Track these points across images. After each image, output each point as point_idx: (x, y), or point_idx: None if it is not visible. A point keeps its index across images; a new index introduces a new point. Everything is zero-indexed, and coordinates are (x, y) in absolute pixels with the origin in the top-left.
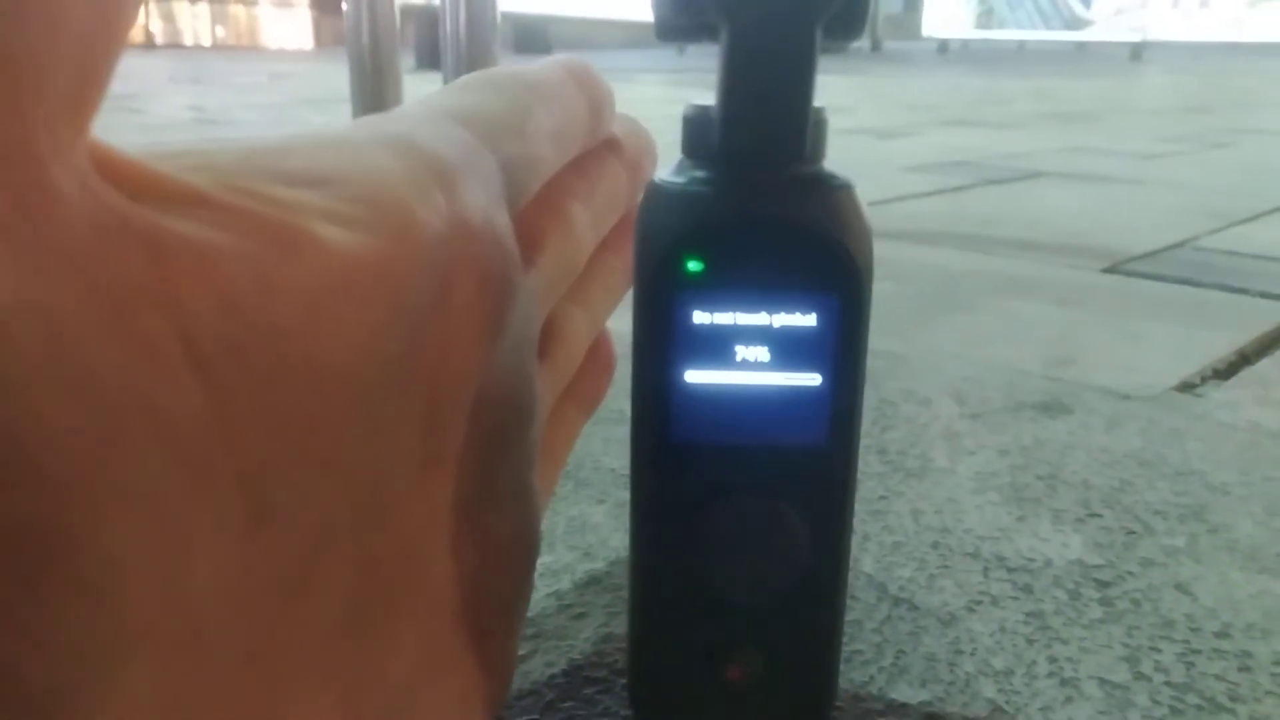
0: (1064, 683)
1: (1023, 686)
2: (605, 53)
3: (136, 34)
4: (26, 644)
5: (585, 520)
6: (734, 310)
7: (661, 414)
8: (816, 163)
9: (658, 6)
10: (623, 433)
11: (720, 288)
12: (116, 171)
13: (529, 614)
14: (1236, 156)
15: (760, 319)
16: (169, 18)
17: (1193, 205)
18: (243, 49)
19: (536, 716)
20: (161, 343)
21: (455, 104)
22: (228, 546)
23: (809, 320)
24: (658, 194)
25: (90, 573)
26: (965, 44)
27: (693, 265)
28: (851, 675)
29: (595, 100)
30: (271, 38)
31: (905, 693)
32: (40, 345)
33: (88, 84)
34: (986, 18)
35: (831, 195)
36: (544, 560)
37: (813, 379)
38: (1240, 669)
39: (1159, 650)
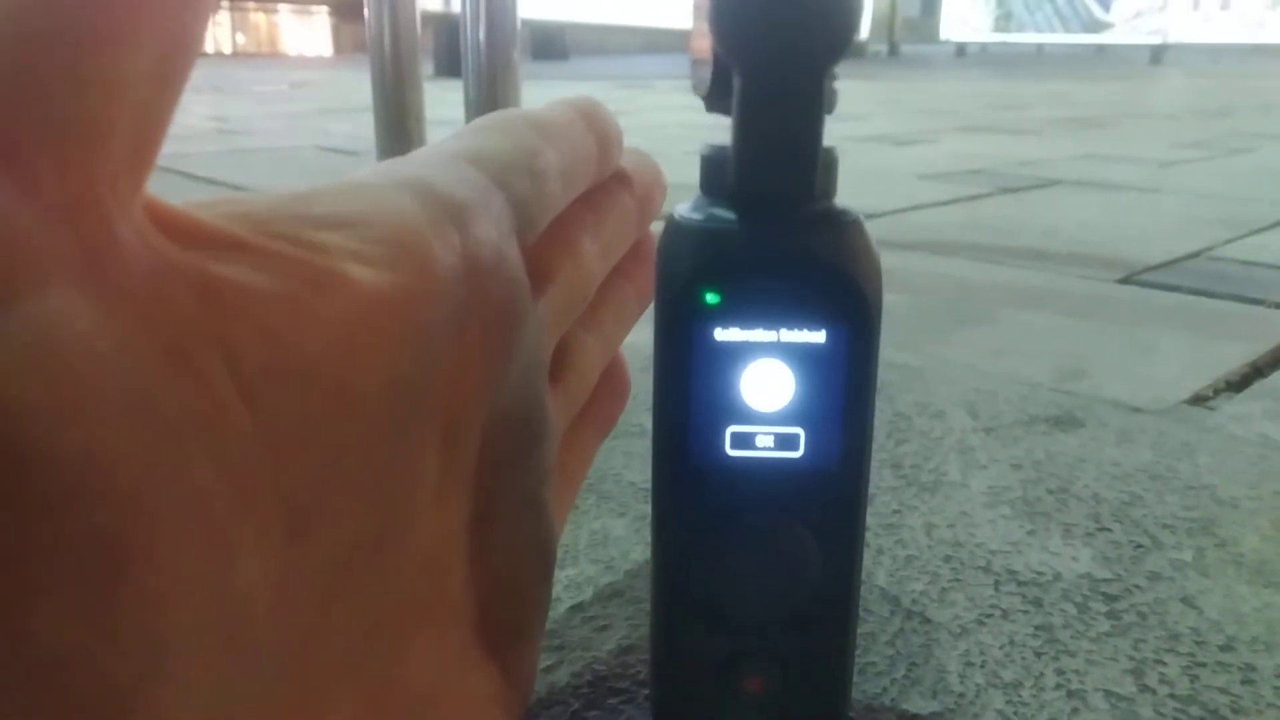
0: (1071, 695)
1: (1030, 698)
2: (622, 58)
3: None
4: (102, 639)
5: (607, 534)
6: (749, 339)
7: (680, 435)
8: (828, 200)
9: (696, 82)
10: (642, 446)
11: (736, 318)
12: (167, 222)
13: (553, 625)
14: (1255, 162)
15: (774, 347)
16: None
17: (1209, 214)
18: (263, 56)
19: None
20: (212, 373)
21: (467, 146)
22: (268, 557)
23: (821, 348)
24: (677, 230)
25: (152, 577)
26: (983, 47)
27: (711, 298)
28: (865, 687)
29: (604, 137)
30: (291, 44)
31: (917, 704)
32: (112, 377)
33: (144, 146)
34: (1005, 21)
35: (842, 231)
36: (567, 573)
37: (826, 403)
38: (1244, 681)
39: (1164, 663)
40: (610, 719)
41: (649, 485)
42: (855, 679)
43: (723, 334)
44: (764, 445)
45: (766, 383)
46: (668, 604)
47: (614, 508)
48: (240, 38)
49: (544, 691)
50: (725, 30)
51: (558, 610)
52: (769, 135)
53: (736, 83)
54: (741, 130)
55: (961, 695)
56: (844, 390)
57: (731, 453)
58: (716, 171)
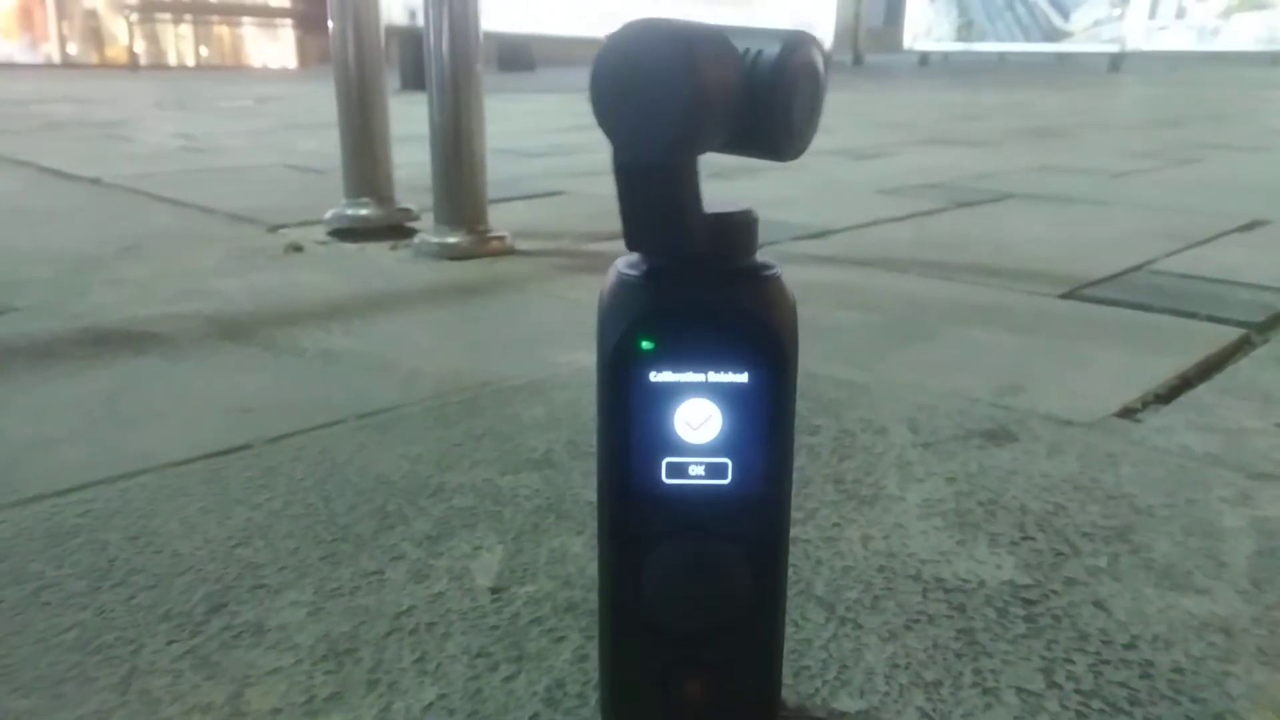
0: (985, 692)
1: (949, 696)
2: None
3: (120, 55)
4: None
5: (565, 551)
6: (680, 380)
7: (620, 466)
8: (750, 256)
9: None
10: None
11: (668, 363)
12: None
13: (513, 637)
14: (1202, 173)
15: (703, 387)
16: (152, 38)
17: (1155, 226)
18: (227, 69)
19: None
20: None
21: None
22: None
23: (744, 387)
24: (618, 283)
25: None
26: (946, 56)
27: (645, 344)
28: (799, 688)
29: None
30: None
31: (846, 703)
32: None
33: None
34: (967, 30)
35: (761, 284)
36: (528, 589)
37: (750, 435)
38: (1142, 676)
39: (1072, 661)
40: (565, 719)
41: None
42: (790, 681)
43: (657, 376)
44: (696, 474)
45: (696, 419)
46: (613, 616)
47: (572, 526)
48: (204, 50)
49: (504, 699)
50: (598, 113)
51: (519, 623)
52: (640, 204)
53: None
54: (619, 199)
55: (886, 694)
56: (766, 423)
57: (667, 481)
58: None
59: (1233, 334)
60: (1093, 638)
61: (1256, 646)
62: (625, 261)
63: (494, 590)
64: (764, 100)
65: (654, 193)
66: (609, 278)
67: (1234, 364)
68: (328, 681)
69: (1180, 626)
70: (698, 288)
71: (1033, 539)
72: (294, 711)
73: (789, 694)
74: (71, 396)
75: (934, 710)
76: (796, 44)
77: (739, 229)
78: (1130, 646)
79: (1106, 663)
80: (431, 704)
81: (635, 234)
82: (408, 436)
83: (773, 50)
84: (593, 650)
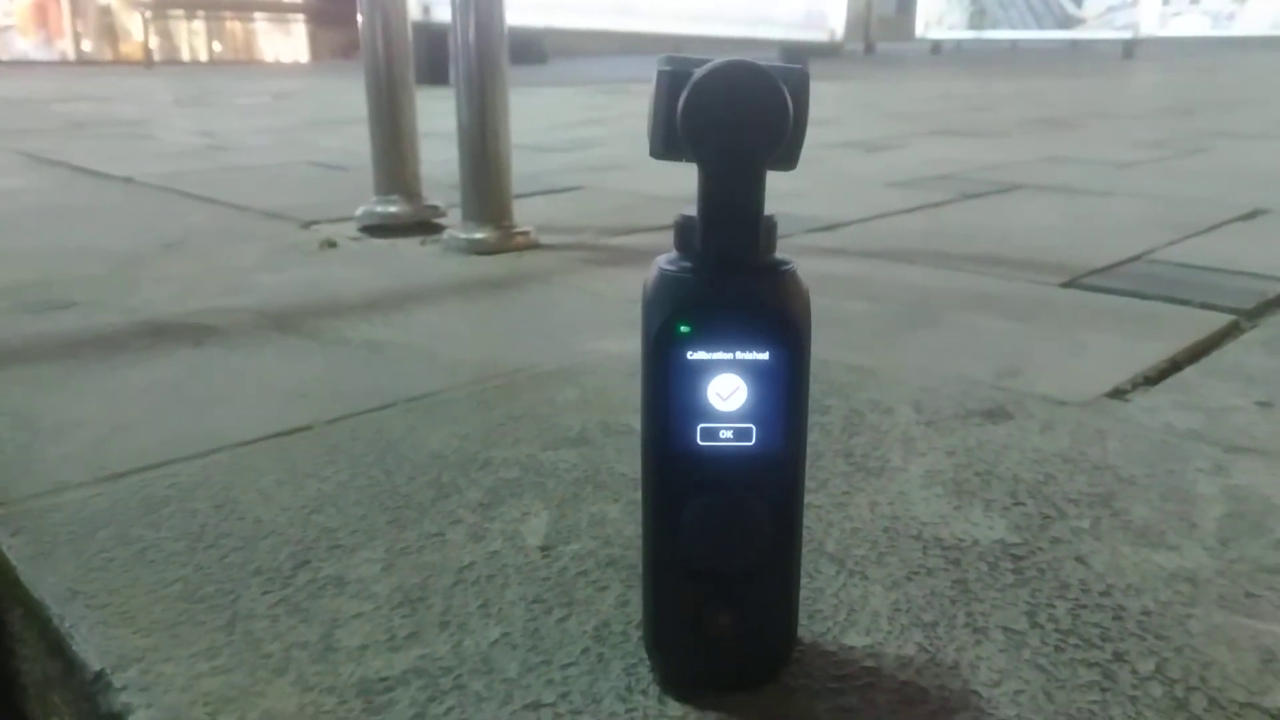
0: (976, 630)
1: (944, 633)
2: (599, 60)
3: (134, 51)
4: None
5: (604, 515)
6: (712, 359)
7: (661, 431)
8: (770, 253)
9: (652, 140)
10: (631, 444)
11: (702, 344)
12: None
13: (562, 587)
14: (1208, 163)
15: (731, 364)
16: (165, 34)
17: (1156, 217)
18: (240, 64)
19: (574, 661)
20: None
21: None
22: None
23: (766, 364)
24: (659, 277)
25: None
26: (958, 44)
27: (683, 329)
28: (813, 627)
29: None
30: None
31: (854, 639)
32: None
33: None
34: (979, 18)
35: (780, 278)
36: (573, 547)
37: (771, 405)
38: (1114, 618)
39: (1053, 606)
40: (612, 653)
41: (637, 475)
42: (804, 622)
43: (693, 355)
44: (725, 437)
45: (726, 391)
46: (654, 561)
47: (609, 495)
48: (217, 45)
49: (559, 636)
50: (692, 136)
51: (566, 576)
52: (723, 210)
53: (699, 172)
54: (704, 207)
55: (889, 633)
56: (784, 395)
57: (701, 444)
58: (687, 235)
59: (1223, 320)
60: (1073, 587)
61: (1218, 594)
62: (665, 258)
63: (543, 548)
64: (796, 124)
65: (740, 201)
66: (651, 272)
67: (1221, 348)
68: (405, 624)
69: (1151, 577)
70: (728, 281)
71: (1023, 504)
72: (379, 647)
73: (804, 632)
74: (141, 384)
75: (930, 645)
76: (805, 77)
77: (764, 231)
78: (1105, 594)
79: (1084, 607)
80: (496, 640)
81: (715, 236)
82: (454, 417)
83: (796, 79)
84: (633, 597)
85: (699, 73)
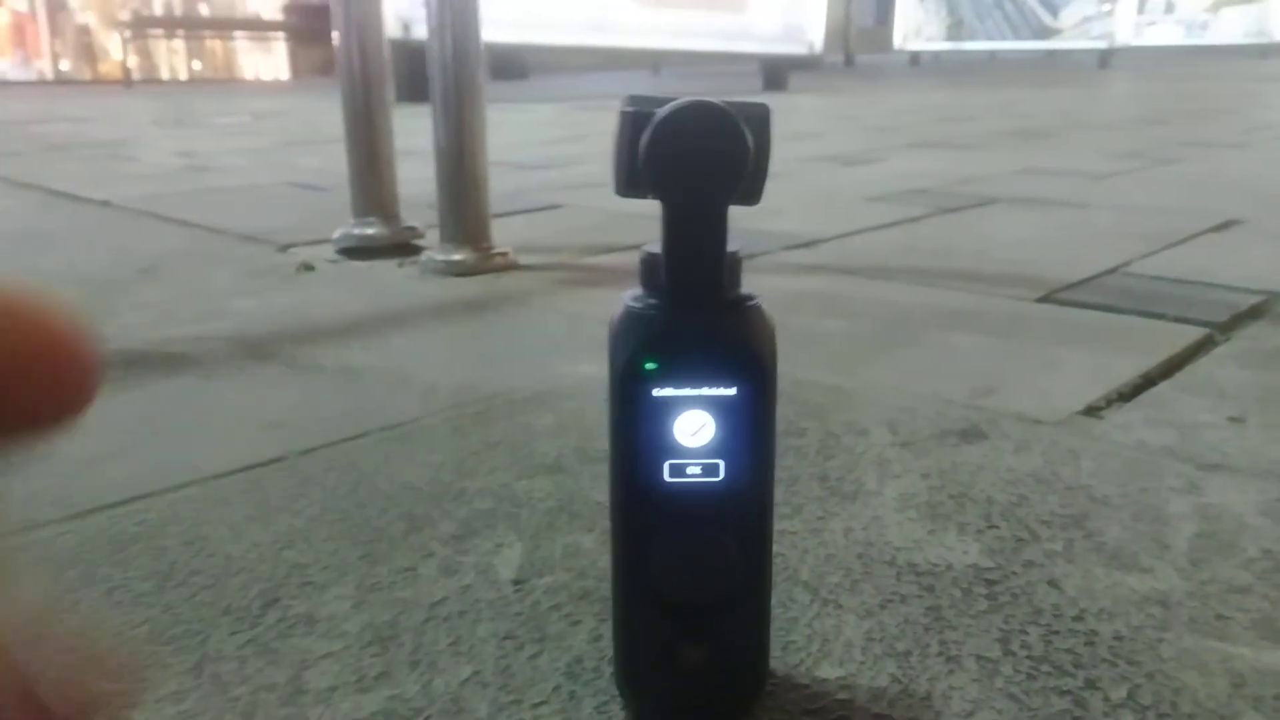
0: (949, 659)
1: (917, 663)
2: (580, 76)
3: (113, 71)
4: None
5: (578, 546)
6: (679, 395)
7: (629, 468)
8: (736, 289)
9: (616, 179)
10: (606, 470)
11: (668, 380)
12: None
13: (535, 621)
14: (1183, 173)
15: (698, 401)
16: (145, 54)
17: (1131, 228)
18: (220, 82)
19: (545, 700)
20: None
21: None
22: None
23: (732, 400)
24: (626, 315)
25: None
26: (937, 56)
27: (649, 366)
28: (786, 659)
29: None
30: (248, 69)
31: (827, 671)
32: None
33: None
34: (956, 29)
35: (745, 313)
36: (546, 580)
37: (738, 440)
38: (1087, 643)
39: (1026, 632)
40: (584, 690)
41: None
42: (778, 653)
43: (659, 392)
44: (693, 473)
45: (693, 427)
46: (624, 597)
47: (583, 524)
48: (196, 64)
49: (530, 673)
50: (654, 174)
51: (540, 609)
52: (687, 248)
53: (663, 210)
54: (668, 244)
55: (862, 663)
56: (751, 430)
57: (669, 480)
58: (652, 271)
59: (1197, 333)
60: (1045, 612)
61: (1189, 616)
62: (631, 295)
63: (516, 582)
64: (759, 159)
65: (703, 239)
66: (617, 309)
67: (1194, 362)
68: (375, 663)
69: (1123, 601)
70: (693, 317)
71: (997, 527)
72: (348, 689)
73: (777, 664)
74: (113, 416)
75: (904, 675)
76: (767, 114)
77: (728, 267)
78: (1078, 619)
79: (1056, 633)
80: (467, 679)
81: (681, 273)
82: (429, 446)
83: (757, 116)
84: (606, 631)
85: (660, 113)
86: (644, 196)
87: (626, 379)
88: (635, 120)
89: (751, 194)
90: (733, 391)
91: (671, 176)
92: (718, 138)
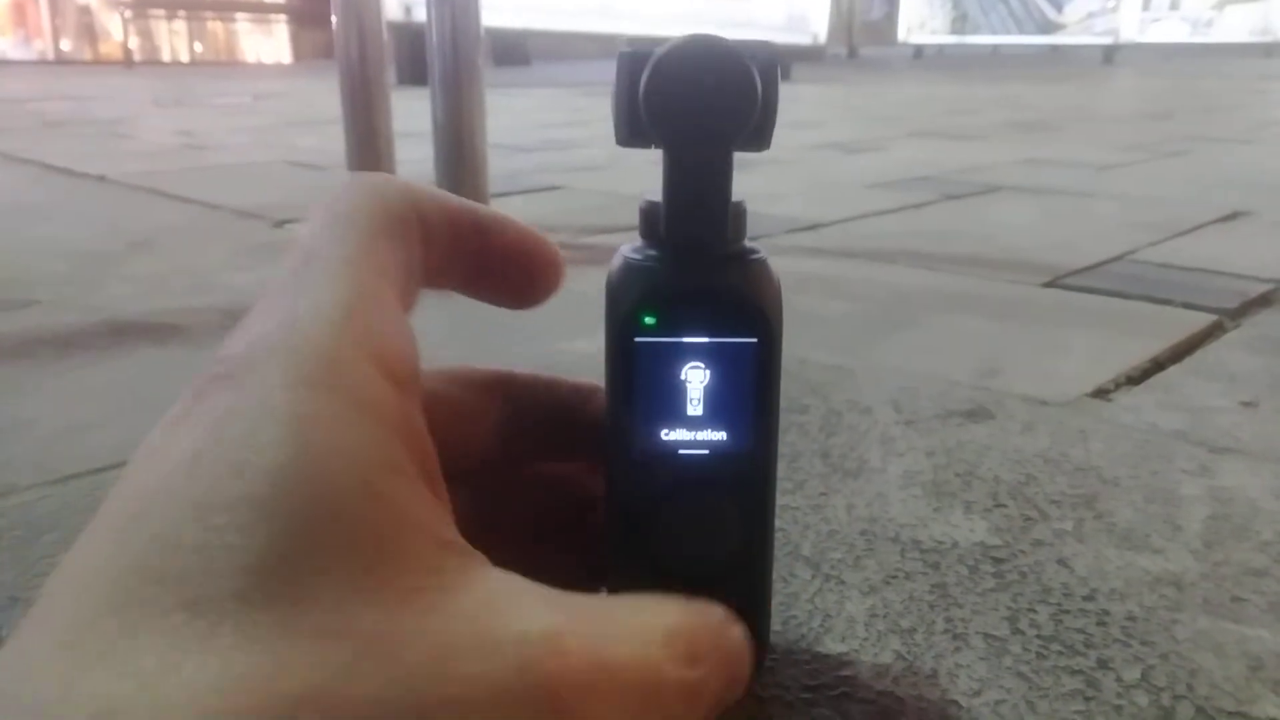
0: (955, 637)
1: (922, 640)
2: (583, 64)
3: (114, 51)
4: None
5: None
6: (679, 350)
7: (626, 427)
8: (739, 241)
9: (616, 128)
10: None
11: (668, 335)
12: None
13: None
14: (1187, 166)
15: (699, 356)
16: (146, 34)
17: (1137, 218)
18: (221, 65)
19: None
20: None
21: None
22: None
23: (734, 357)
24: (623, 266)
25: None
26: (940, 49)
27: (649, 319)
28: (787, 635)
29: None
30: (250, 51)
31: (829, 646)
32: None
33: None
34: (961, 23)
35: (749, 266)
36: None
37: (740, 400)
38: (1098, 624)
39: (1035, 611)
40: None
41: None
42: (779, 629)
43: (659, 347)
44: (694, 433)
45: (693, 384)
46: (620, 563)
47: None
48: (198, 46)
49: None
50: (654, 117)
51: None
52: (690, 196)
53: (664, 156)
54: (669, 193)
55: (865, 639)
56: (755, 388)
57: (668, 439)
58: (652, 221)
59: (1206, 320)
60: (1055, 591)
61: (1203, 598)
62: (630, 247)
63: None
64: (767, 101)
65: (705, 186)
66: (615, 261)
67: (1204, 348)
68: None
69: (1135, 581)
70: (695, 269)
71: (1004, 506)
72: None
73: (778, 640)
74: (98, 384)
75: (908, 652)
76: (775, 53)
77: (733, 218)
78: (1089, 598)
79: (1066, 612)
80: None
81: (680, 223)
82: None
83: (765, 55)
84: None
85: (659, 51)
86: (647, 146)
87: (624, 333)
88: (633, 62)
89: (759, 138)
90: (736, 347)
91: (672, 118)
92: (722, 75)
